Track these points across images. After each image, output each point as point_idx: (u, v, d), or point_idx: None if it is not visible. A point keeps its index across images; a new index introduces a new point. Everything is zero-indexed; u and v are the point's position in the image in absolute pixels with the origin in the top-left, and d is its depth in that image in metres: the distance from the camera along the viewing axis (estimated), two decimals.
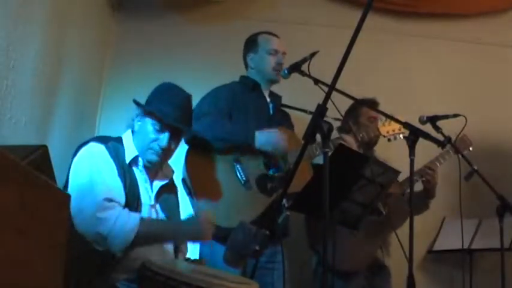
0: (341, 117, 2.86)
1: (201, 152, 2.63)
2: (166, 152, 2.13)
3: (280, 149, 2.65)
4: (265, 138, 2.64)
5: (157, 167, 2.19)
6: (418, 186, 3.04)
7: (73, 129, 2.95)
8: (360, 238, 2.86)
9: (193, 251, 2.44)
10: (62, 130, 2.72)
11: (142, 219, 1.99)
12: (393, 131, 2.92)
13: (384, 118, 2.87)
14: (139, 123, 2.14)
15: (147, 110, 2.12)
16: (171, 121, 2.07)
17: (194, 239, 2.07)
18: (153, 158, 2.11)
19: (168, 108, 2.09)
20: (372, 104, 3.07)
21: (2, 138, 1.97)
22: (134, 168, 2.11)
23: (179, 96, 2.15)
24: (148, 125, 2.10)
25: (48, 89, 2.45)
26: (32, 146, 1.72)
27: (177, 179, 2.46)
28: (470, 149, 3.06)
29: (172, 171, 2.32)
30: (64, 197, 1.43)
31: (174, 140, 2.14)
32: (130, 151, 2.11)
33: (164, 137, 2.09)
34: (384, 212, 2.87)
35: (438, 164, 3.00)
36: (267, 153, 2.68)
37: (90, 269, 1.92)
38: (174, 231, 2.10)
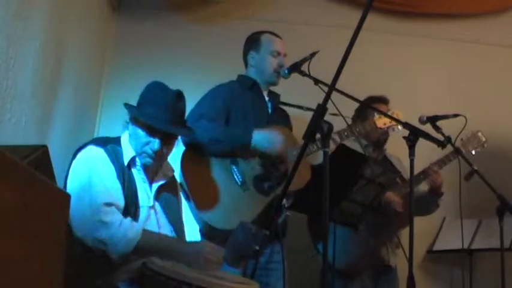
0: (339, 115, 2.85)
1: (197, 155, 2.62)
2: (161, 155, 2.12)
3: (273, 150, 2.63)
4: (261, 137, 2.63)
5: (156, 168, 2.19)
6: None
7: (73, 129, 2.95)
8: (363, 237, 2.85)
9: None
10: (62, 130, 2.71)
11: (144, 231, 1.98)
12: (390, 122, 2.84)
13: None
14: (131, 126, 2.14)
15: (135, 117, 2.11)
16: (160, 126, 2.06)
17: (192, 264, 1.92)
18: (148, 161, 2.11)
19: (157, 111, 2.07)
20: (382, 101, 3.05)
21: (2, 138, 1.96)
22: (133, 169, 2.11)
23: (168, 97, 2.11)
24: (139, 129, 2.09)
25: (48, 89, 2.45)
26: (32, 146, 1.72)
27: (177, 176, 2.45)
28: (485, 145, 2.98)
29: (173, 170, 2.32)
30: (64, 197, 1.43)
31: (167, 141, 2.12)
32: (128, 152, 2.12)
33: (155, 142, 2.08)
34: (382, 204, 2.82)
35: (442, 166, 2.95)
36: (263, 154, 2.67)
37: (91, 268, 1.92)
38: (175, 251, 1.99)
